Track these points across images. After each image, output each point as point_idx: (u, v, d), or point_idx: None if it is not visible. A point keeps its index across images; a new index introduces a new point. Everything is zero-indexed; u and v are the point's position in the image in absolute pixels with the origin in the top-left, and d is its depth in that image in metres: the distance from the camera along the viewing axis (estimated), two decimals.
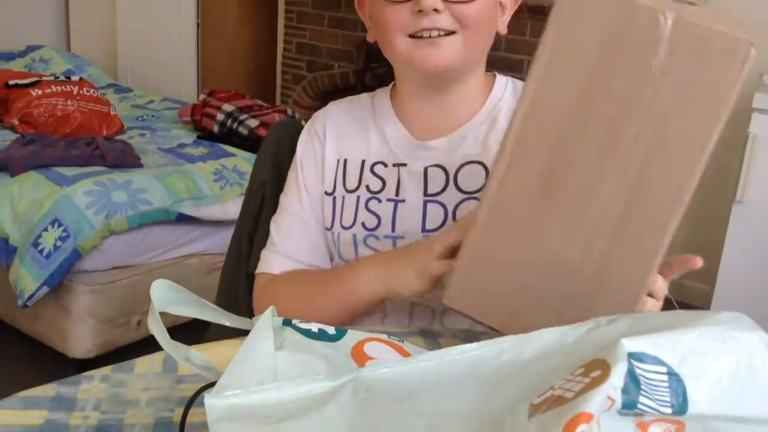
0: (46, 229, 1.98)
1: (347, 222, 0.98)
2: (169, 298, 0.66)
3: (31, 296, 1.97)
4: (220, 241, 2.22)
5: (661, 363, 0.45)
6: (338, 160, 1.00)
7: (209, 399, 0.48)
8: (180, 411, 0.69)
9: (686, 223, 0.64)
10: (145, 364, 0.84)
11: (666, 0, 0.60)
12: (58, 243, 1.97)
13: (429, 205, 0.96)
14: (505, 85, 1.00)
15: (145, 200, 2.10)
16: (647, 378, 0.43)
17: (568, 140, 0.63)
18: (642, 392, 0.42)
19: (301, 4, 3.60)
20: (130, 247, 2.11)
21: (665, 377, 0.44)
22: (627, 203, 0.63)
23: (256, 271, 1.03)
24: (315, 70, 3.66)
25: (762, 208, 2.22)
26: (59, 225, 1.98)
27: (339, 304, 0.91)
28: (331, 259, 1.02)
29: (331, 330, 0.65)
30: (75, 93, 2.63)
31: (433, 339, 0.84)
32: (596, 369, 0.42)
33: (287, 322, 0.64)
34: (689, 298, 2.89)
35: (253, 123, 2.64)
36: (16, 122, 2.55)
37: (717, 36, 0.59)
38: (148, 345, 0.73)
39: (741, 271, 2.29)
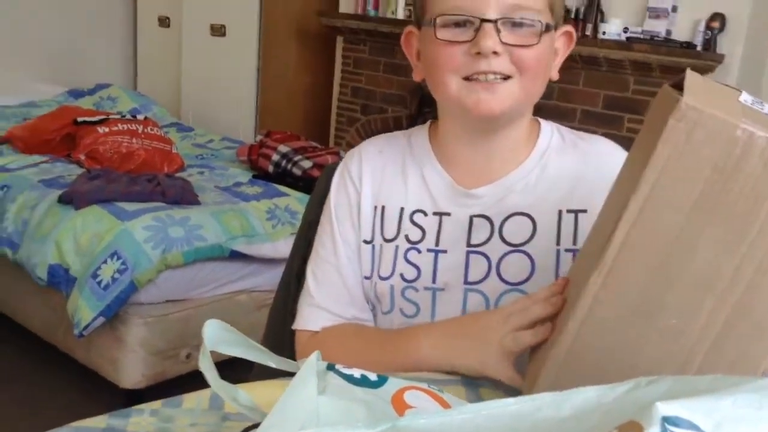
0: (105, 262, 2.06)
1: (385, 272, 0.94)
2: (220, 338, 0.69)
3: (87, 326, 2.04)
4: (271, 278, 2.26)
5: (696, 428, 0.45)
6: (375, 207, 0.95)
7: None
8: None
9: None
10: (193, 399, 0.87)
11: (766, 120, 0.59)
12: (116, 275, 2.04)
13: (471, 257, 0.92)
14: (551, 133, 0.96)
15: (200, 236, 2.16)
16: None
17: (674, 258, 0.61)
18: None
19: (358, 51, 3.70)
20: (184, 282, 2.17)
21: None
22: (726, 326, 0.62)
23: (297, 328, 0.99)
24: (369, 113, 3.73)
25: None
26: (118, 258, 2.05)
27: (391, 368, 0.85)
28: (372, 308, 0.98)
29: (373, 377, 0.67)
30: (140, 131, 2.74)
31: (473, 389, 0.84)
32: (629, 431, 0.43)
33: (331, 367, 0.66)
34: None
35: (307, 164, 2.70)
36: (82, 158, 2.67)
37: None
38: (196, 378, 0.73)
39: None
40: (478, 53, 0.82)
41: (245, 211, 2.33)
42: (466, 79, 0.85)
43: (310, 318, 0.97)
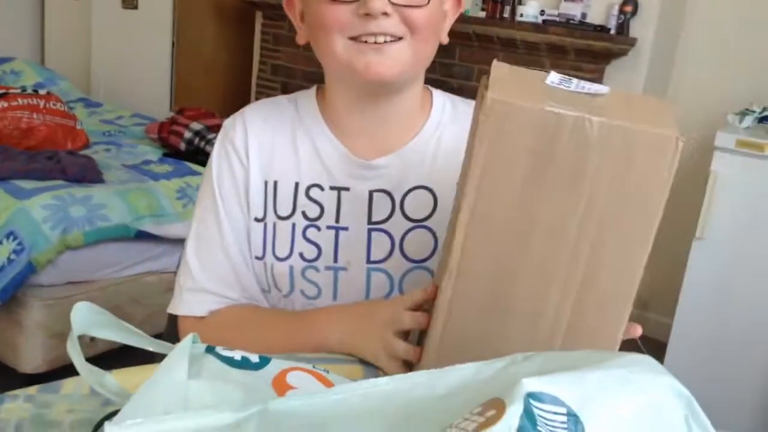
0: (0, 242, 1.95)
1: (282, 252, 0.88)
2: (91, 321, 0.65)
3: None
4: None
5: (561, 404, 0.44)
6: (266, 182, 0.89)
7: (110, 427, 0.47)
8: None
9: (648, 262, 0.64)
10: (71, 385, 0.82)
11: (577, 98, 0.60)
12: (12, 256, 1.93)
13: (374, 234, 0.88)
14: (443, 103, 0.93)
15: (103, 216, 2.07)
16: (545, 418, 0.43)
17: (512, 251, 0.62)
18: None
19: (278, 27, 3.61)
20: (87, 263, 2.08)
21: (564, 418, 0.44)
22: (576, 304, 0.63)
23: (179, 313, 0.91)
24: (289, 91, 3.65)
25: (721, 245, 2.25)
26: (14, 238, 1.95)
27: (291, 348, 0.81)
28: (268, 291, 0.92)
29: (254, 358, 0.65)
30: (41, 106, 2.60)
31: (371, 368, 0.82)
32: (492, 408, 0.42)
33: (210, 349, 0.63)
34: (650, 331, 2.91)
35: None
36: None
37: (645, 136, 0.59)
38: (100, 361, 0.69)
39: (700, 305, 2.31)
40: (367, 14, 0.78)
41: (154, 189, 2.25)
42: (353, 39, 0.80)
43: (193, 302, 0.90)
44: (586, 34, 2.71)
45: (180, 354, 0.57)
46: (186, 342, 0.60)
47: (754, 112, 2.39)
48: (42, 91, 2.74)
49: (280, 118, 0.92)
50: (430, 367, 0.68)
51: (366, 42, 0.80)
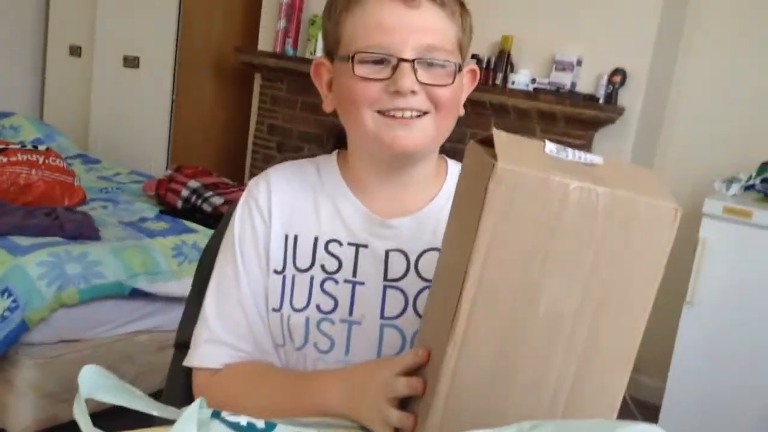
0: None
1: (299, 304, 0.92)
2: (97, 384, 0.66)
3: None
4: (175, 317, 2.18)
5: None
6: (287, 236, 0.94)
7: None
8: None
9: None
10: None
11: (577, 167, 0.63)
12: (6, 314, 1.93)
13: (389, 291, 0.92)
14: (457, 172, 0.97)
15: (99, 273, 2.08)
16: None
17: (517, 319, 0.64)
18: None
19: (276, 88, 3.70)
20: (80, 321, 2.08)
21: None
22: (579, 369, 0.65)
23: (193, 365, 0.94)
24: (285, 151, 3.72)
25: (711, 310, 2.27)
26: (9, 295, 1.95)
27: (293, 413, 0.84)
28: (282, 344, 0.95)
29: (260, 424, 0.65)
30: (40, 162, 2.63)
31: None
32: None
33: (216, 414, 0.64)
34: (643, 394, 2.91)
35: (218, 200, 2.66)
36: None
37: (647, 207, 0.62)
38: (94, 418, 0.68)
39: (691, 368, 2.32)
40: (397, 91, 0.85)
41: (149, 247, 2.26)
42: (381, 113, 0.87)
43: (207, 354, 0.93)
44: (575, 102, 2.79)
45: (188, 420, 0.58)
46: (193, 408, 0.61)
47: (740, 180, 2.45)
48: (41, 147, 2.78)
49: (302, 179, 0.97)
50: None
51: (394, 117, 0.86)
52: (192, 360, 0.95)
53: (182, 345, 1.08)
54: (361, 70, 0.86)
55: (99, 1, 3.91)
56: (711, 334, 2.28)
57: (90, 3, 3.95)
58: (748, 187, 2.46)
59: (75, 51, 4.15)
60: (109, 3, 3.89)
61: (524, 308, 0.63)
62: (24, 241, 2.11)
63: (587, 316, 0.63)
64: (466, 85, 0.95)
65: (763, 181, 2.45)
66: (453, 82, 0.88)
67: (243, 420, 0.65)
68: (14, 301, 1.94)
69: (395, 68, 0.85)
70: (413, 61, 0.85)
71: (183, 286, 2.21)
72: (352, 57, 0.86)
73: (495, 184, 0.60)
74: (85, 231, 2.22)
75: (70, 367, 2.06)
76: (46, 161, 2.64)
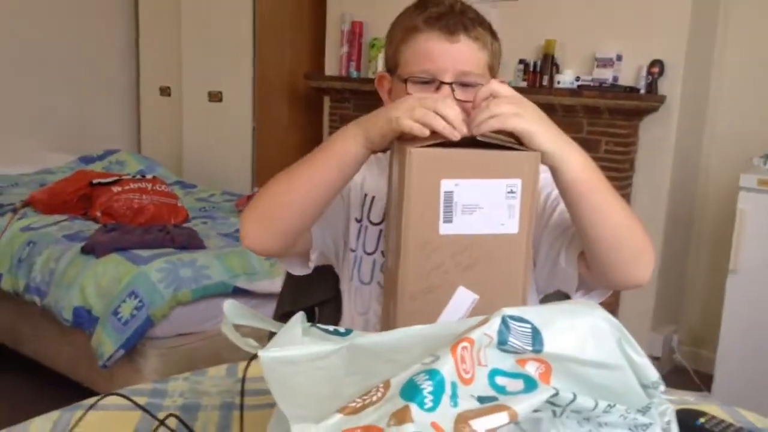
0: (124, 301, 2.35)
1: (370, 248, 1.15)
2: (237, 314, 0.99)
3: (110, 357, 2.32)
4: (271, 311, 2.53)
5: (528, 322, 0.74)
6: (365, 195, 1.17)
7: (261, 353, 0.80)
8: (239, 399, 0.99)
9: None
10: (214, 370, 1.16)
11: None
12: (134, 312, 2.32)
13: None
14: None
15: (207, 276, 2.45)
16: (516, 329, 0.73)
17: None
18: (511, 335, 0.71)
19: (343, 108, 4.05)
20: (194, 316, 2.45)
21: (529, 329, 0.73)
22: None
23: None
24: None
25: (753, 276, 2.44)
26: (136, 297, 2.34)
27: (322, 171, 1.01)
28: (350, 279, 1.17)
29: (341, 330, 0.96)
30: (149, 189, 3.06)
31: None
32: (484, 323, 0.72)
33: (313, 324, 0.95)
34: (703, 366, 3.07)
35: None
36: (99, 214, 2.97)
37: (406, 150, 0.89)
38: None
39: (739, 334, 2.49)
40: None
41: (245, 252, 2.63)
42: None
43: None
44: (617, 95, 3.00)
45: (295, 321, 0.90)
46: (298, 316, 0.92)
47: None
48: (149, 176, 3.21)
49: (378, 161, 1.19)
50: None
51: None
52: None
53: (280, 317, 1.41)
54: (412, 89, 1.08)
55: (183, 45, 4.32)
56: (755, 298, 2.45)
57: (175, 47, 4.36)
58: None
59: (165, 91, 4.60)
60: (193, 45, 4.29)
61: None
62: (144, 253, 2.51)
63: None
64: None
65: None
66: None
67: (330, 327, 0.95)
68: (140, 301, 2.34)
69: (438, 88, 1.07)
70: (451, 84, 1.07)
71: (275, 284, 2.56)
72: (406, 80, 1.09)
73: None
74: (193, 242, 2.61)
75: (187, 355, 2.44)
76: (154, 187, 3.07)
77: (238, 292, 2.51)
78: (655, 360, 3.11)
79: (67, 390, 2.58)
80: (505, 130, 0.92)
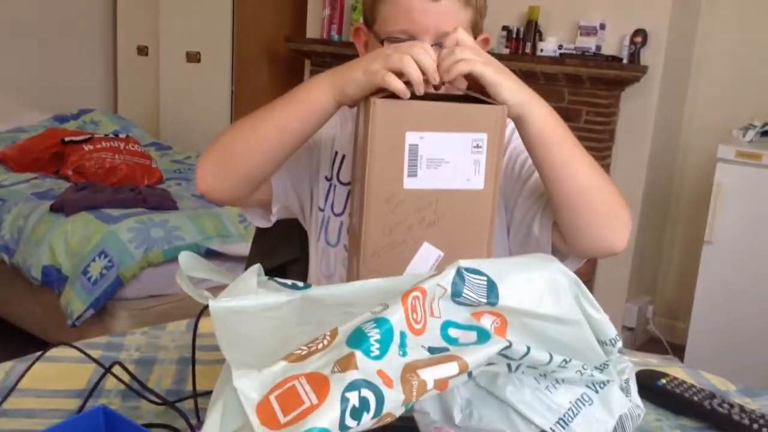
0: (94, 260, 2.31)
1: (338, 209, 1.12)
2: (191, 265, 0.96)
3: (79, 317, 2.29)
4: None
5: (484, 274, 0.72)
6: (336, 153, 1.13)
7: (212, 302, 0.77)
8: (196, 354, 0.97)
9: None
10: (173, 325, 1.14)
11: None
12: (104, 272, 2.29)
13: None
14: None
15: (179, 236, 2.42)
16: (472, 281, 0.71)
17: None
18: (466, 287, 0.70)
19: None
20: (165, 278, 2.42)
21: (484, 281, 0.71)
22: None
23: None
24: None
25: (728, 247, 2.45)
26: (105, 256, 2.31)
27: (287, 118, 0.96)
28: (317, 239, 1.14)
29: (299, 284, 0.94)
30: (122, 148, 3.00)
31: None
32: (438, 273, 0.70)
33: (271, 278, 0.93)
34: (677, 338, 3.09)
35: None
36: (70, 173, 2.92)
37: (370, 101, 0.87)
38: None
39: (713, 305, 2.51)
40: None
41: (219, 214, 2.60)
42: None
43: None
44: (599, 64, 2.98)
45: (250, 273, 0.87)
46: (254, 268, 0.90)
47: (755, 126, 2.61)
48: (121, 135, 3.15)
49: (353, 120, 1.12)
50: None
51: None
52: None
53: None
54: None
55: (161, 2, 4.24)
56: (728, 269, 2.46)
57: (153, 6, 4.28)
58: (765, 133, 2.62)
59: (142, 50, 4.51)
60: (171, 5, 4.21)
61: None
62: (114, 212, 2.47)
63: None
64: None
65: None
66: None
67: (288, 281, 0.93)
68: (110, 261, 2.30)
69: None
70: (432, 45, 1.04)
71: (249, 247, 2.54)
72: (383, 40, 1.04)
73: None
74: (165, 203, 2.57)
75: (159, 317, 2.41)
76: (127, 147, 3.01)
77: (211, 254, 2.48)
78: (629, 331, 3.16)
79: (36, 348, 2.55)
80: (473, 74, 0.89)
